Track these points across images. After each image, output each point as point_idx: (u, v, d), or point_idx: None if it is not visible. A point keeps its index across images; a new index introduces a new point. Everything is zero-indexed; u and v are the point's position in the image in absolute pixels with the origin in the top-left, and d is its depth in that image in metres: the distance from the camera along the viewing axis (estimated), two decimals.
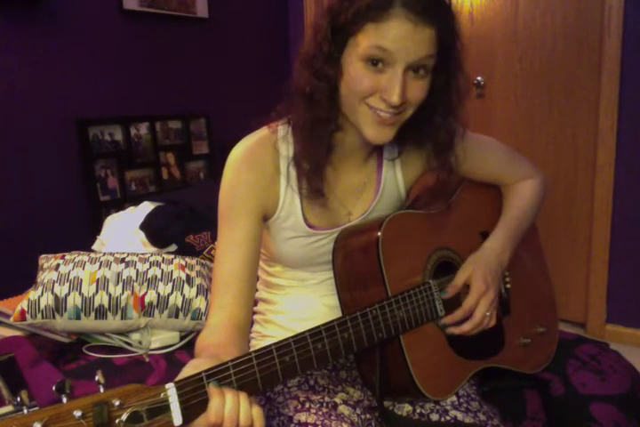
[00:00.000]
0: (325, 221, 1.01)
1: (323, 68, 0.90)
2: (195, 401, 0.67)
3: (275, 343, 0.75)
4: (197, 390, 0.68)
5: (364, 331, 0.85)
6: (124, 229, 1.97)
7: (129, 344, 1.50)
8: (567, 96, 2.51)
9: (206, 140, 2.85)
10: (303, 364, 0.77)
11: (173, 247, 1.87)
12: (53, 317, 1.45)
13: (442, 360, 0.97)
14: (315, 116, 0.92)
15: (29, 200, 2.22)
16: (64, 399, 0.61)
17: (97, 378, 0.64)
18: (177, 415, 0.66)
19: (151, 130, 2.59)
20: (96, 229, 2.17)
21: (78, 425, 0.60)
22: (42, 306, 1.45)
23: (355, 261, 0.96)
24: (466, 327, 0.96)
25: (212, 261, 1.72)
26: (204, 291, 1.54)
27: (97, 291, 1.47)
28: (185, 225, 1.91)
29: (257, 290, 1.11)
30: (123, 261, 1.56)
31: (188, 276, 1.55)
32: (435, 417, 0.96)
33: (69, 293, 1.46)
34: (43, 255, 1.65)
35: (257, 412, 0.69)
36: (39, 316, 1.45)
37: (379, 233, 0.93)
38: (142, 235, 1.88)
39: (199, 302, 1.51)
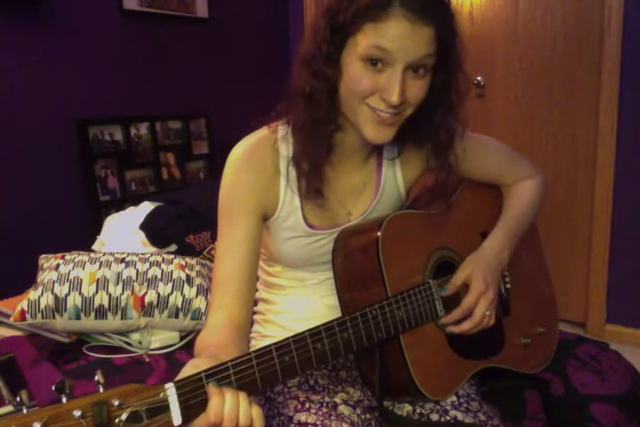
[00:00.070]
0: (325, 221, 1.01)
1: (322, 68, 0.90)
2: (194, 401, 0.67)
3: (274, 343, 0.75)
4: (197, 389, 0.68)
5: (364, 331, 0.85)
6: (124, 229, 1.97)
7: (129, 344, 1.50)
8: (567, 96, 2.51)
9: (206, 141, 2.85)
10: (303, 364, 0.77)
11: (173, 247, 1.87)
12: (53, 317, 1.45)
13: (442, 360, 0.97)
14: (314, 116, 0.92)
15: (29, 200, 2.22)
16: (64, 399, 0.61)
17: (96, 378, 0.64)
18: (176, 415, 0.66)
19: (151, 130, 2.59)
20: (96, 229, 2.17)
21: (78, 425, 0.60)
22: (42, 306, 1.45)
23: (354, 261, 0.96)
24: (465, 326, 0.96)
25: (211, 261, 1.72)
26: (204, 291, 1.54)
27: (97, 291, 1.47)
28: (185, 225, 1.91)
29: (257, 290, 1.11)
30: (123, 261, 1.56)
31: (187, 276, 1.55)
32: (435, 417, 0.96)
33: (69, 293, 1.46)
34: (43, 255, 1.65)
35: (256, 411, 0.69)
36: (39, 316, 1.45)
37: (378, 233, 0.93)
38: (142, 235, 1.88)
39: (199, 302, 1.51)
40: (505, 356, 1.07)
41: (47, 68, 2.24)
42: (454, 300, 0.98)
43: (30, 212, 2.22)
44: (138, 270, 1.53)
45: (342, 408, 0.93)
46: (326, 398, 0.95)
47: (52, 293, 1.45)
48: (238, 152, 0.97)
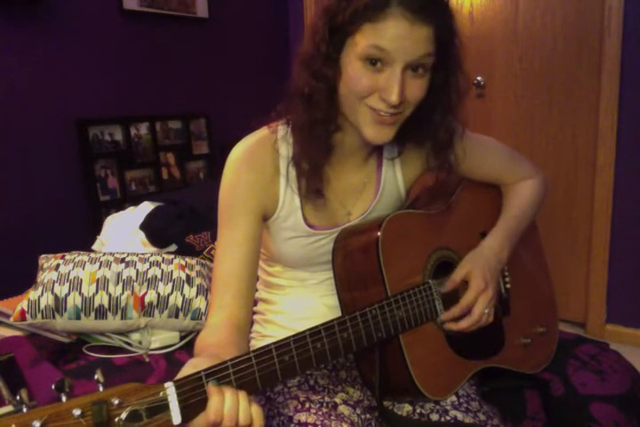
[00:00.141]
0: (325, 221, 1.01)
1: (321, 68, 0.90)
2: (194, 400, 0.67)
3: (274, 343, 0.75)
4: (196, 389, 0.68)
5: (364, 331, 0.85)
6: (124, 229, 1.97)
7: (129, 344, 1.50)
8: (567, 96, 2.51)
9: (206, 140, 2.85)
10: (302, 363, 0.77)
11: (173, 247, 1.87)
12: (53, 317, 1.45)
13: (441, 360, 0.97)
14: (314, 116, 0.92)
15: (29, 200, 2.22)
16: (63, 398, 0.61)
17: (96, 377, 0.64)
18: (176, 414, 0.66)
19: (151, 130, 2.59)
20: (96, 229, 2.17)
21: (77, 424, 0.60)
22: (42, 306, 1.45)
23: (354, 261, 0.96)
24: (463, 324, 0.96)
25: (211, 261, 1.72)
26: (204, 291, 1.54)
27: (97, 291, 1.47)
28: (185, 225, 1.91)
29: (257, 290, 1.11)
30: (123, 261, 1.56)
31: (188, 276, 1.55)
32: (435, 417, 0.96)
33: (69, 293, 1.46)
34: (43, 255, 1.65)
35: (256, 410, 0.69)
36: (39, 316, 1.45)
37: (378, 233, 0.93)
38: (142, 235, 1.88)
39: (199, 302, 1.51)
40: (505, 356, 1.07)
41: (47, 68, 2.24)
42: (454, 299, 0.97)
43: (30, 212, 2.22)
44: (138, 270, 1.53)
45: (342, 408, 0.93)
46: (326, 398, 0.95)
47: (52, 293, 1.45)
48: (238, 152, 0.97)
